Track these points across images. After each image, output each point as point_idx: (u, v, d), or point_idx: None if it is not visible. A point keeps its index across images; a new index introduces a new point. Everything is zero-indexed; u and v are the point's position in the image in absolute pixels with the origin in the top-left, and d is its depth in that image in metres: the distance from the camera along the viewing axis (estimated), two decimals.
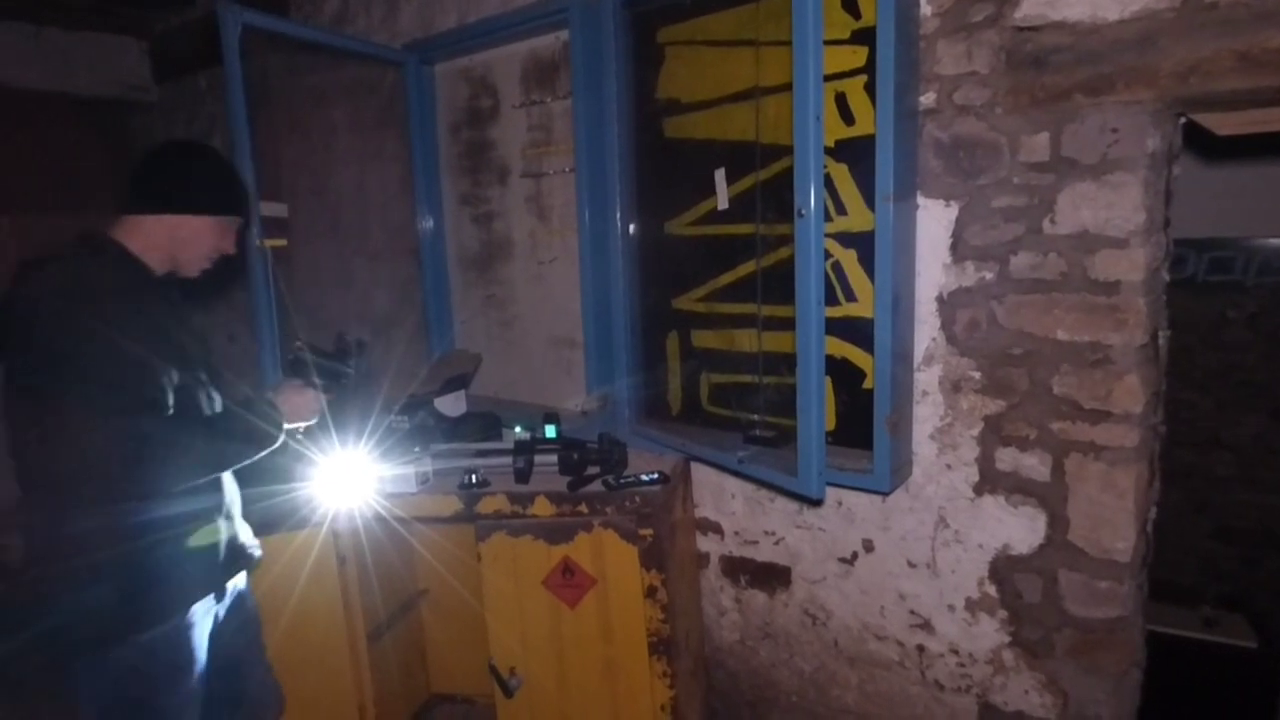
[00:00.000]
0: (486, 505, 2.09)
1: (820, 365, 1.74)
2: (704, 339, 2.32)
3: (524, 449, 2.16)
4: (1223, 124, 1.82)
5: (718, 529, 2.47)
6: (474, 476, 2.14)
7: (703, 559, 2.51)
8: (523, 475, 2.14)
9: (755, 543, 2.40)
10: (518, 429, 2.22)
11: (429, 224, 2.95)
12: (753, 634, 2.46)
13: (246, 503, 1.79)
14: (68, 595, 1.46)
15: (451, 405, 2.43)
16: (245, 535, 1.77)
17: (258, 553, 1.79)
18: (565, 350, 2.69)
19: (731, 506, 2.42)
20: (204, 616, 1.63)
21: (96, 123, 4.37)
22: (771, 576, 2.38)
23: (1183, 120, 1.79)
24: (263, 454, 1.64)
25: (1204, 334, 3.67)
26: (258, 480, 1.84)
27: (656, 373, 2.47)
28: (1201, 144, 3.18)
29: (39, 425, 1.45)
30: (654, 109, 2.33)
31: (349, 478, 2.10)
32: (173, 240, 1.62)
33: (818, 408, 1.75)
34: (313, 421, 1.79)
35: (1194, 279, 3.62)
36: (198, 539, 1.60)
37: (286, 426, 1.69)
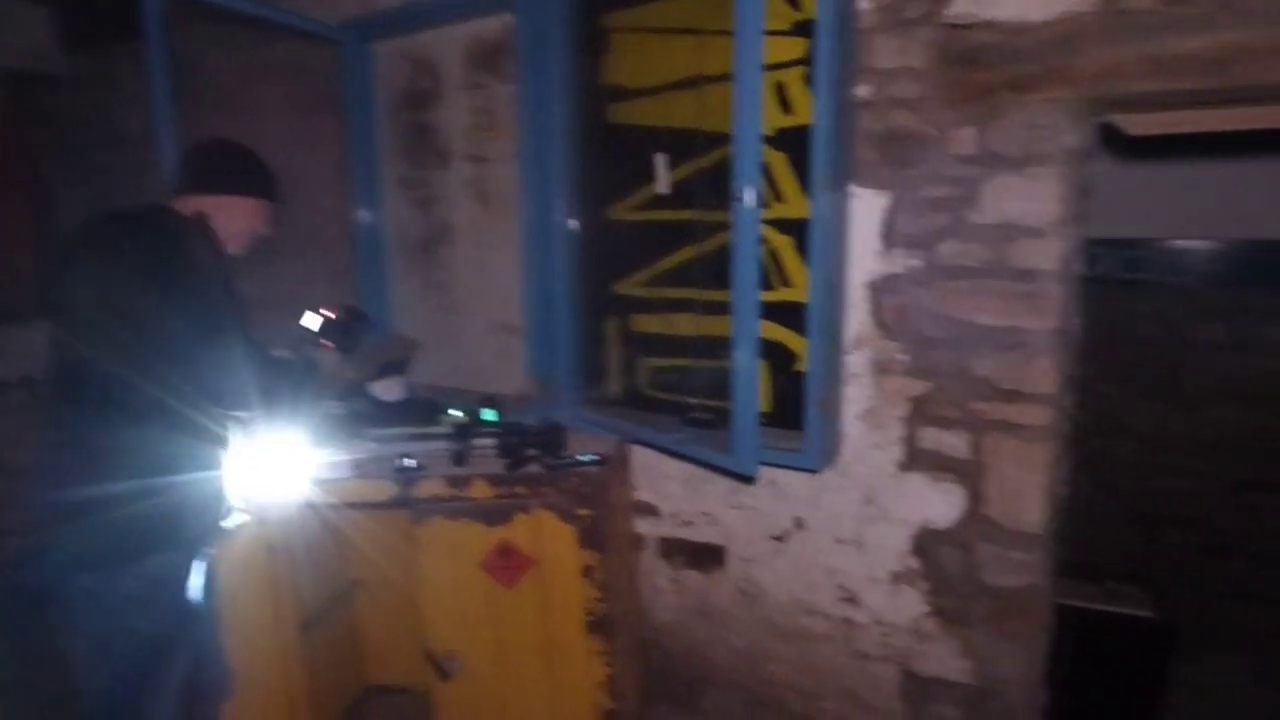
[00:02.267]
0: (423, 489, 2.08)
1: (754, 347, 1.79)
2: (644, 323, 2.36)
3: (461, 433, 2.16)
4: (1134, 125, 1.94)
5: (655, 511, 2.51)
6: (410, 461, 2.12)
7: (640, 541, 2.55)
8: (460, 458, 2.14)
9: (692, 524, 2.45)
10: (455, 413, 2.22)
11: (367, 208, 2.91)
12: (689, 613, 2.51)
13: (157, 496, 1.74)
14: (98, 514, 1.59)
15: (389, 391, 2.40)
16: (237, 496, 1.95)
17: (245, 514, 1.97)
18: (507, 336, 2.69)
19: (669, 489, 2.47)
20: (197, 562, 1.78)
21: (8, 96, 4.15)
22: (707, 556, 2.43)
23: (1098, 120, 1.90)
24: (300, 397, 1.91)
25: (1118, 329, 3.88)
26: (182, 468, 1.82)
27: (598, 357, 2.50)
28: (1122, 149, 3.37)
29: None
30: (599, 95, 2.35)
31: (279, 463, 2.06)
32: (236, 218, 1.88)
33: (751, 388, 1.81)
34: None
35: (1110, 277, 3.83)
36: (206, 484, 1.76)
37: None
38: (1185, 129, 1.89)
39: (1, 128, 4.21)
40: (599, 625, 2.08)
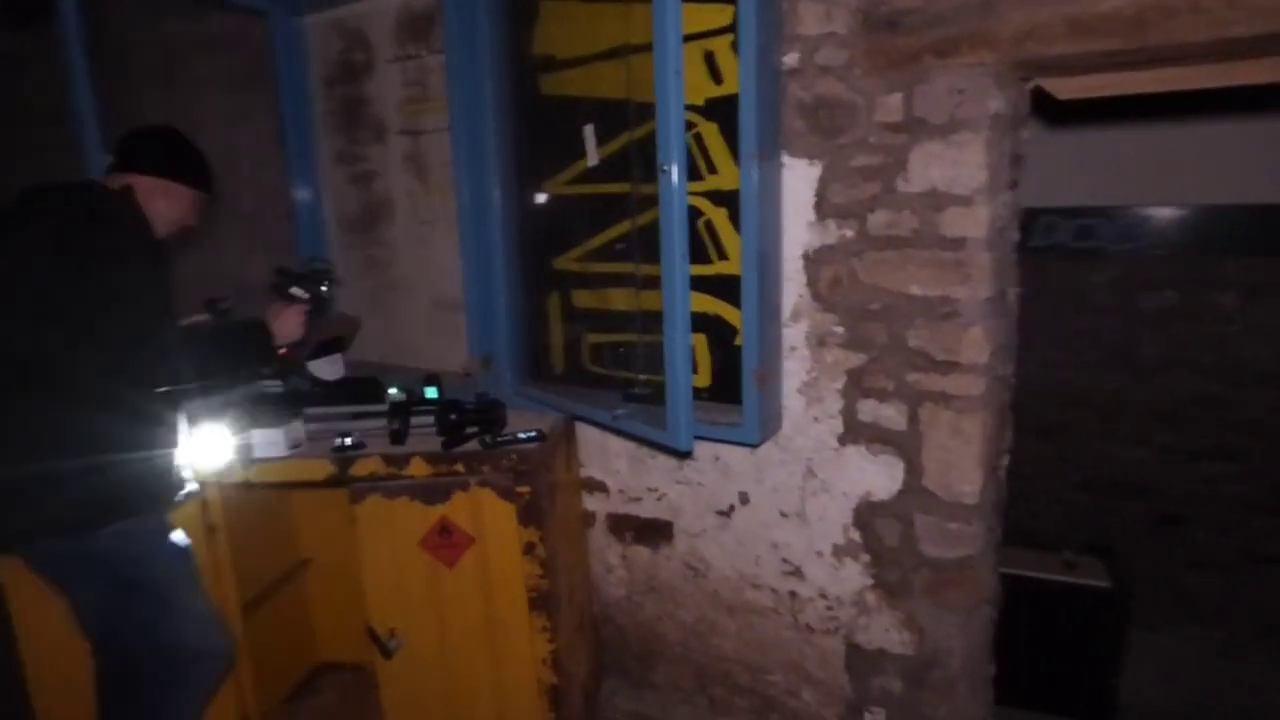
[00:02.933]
0: (361, 468, 2.06)
1: (686, 320, 1.77)
2: (584, 299, 2.33)
3: (399, 410, 2.13)
4: (1062, 88, 1.92)
5: (603, 488, 2.50)
6: (348, 439, 2.10)
7: (589, 518, 2.55)
8: (398, 436, 2.12)
9: (639, 500, 2.44)
10: (393, 390, 2.19)
11: (303, 184, 2.85)
12: (639, 589, 2.51)
13: (106, 471, 1.78)
14: (68, 485, 1.69)
15: (327, 369, 2.37)
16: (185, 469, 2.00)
17: (194, 486, 2.02)
18: (449, 313, 2.65)
19: (616, 465, 2.45)
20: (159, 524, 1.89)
21: None
22: (655, 532, 2.43)
23: (1026, 85, 1.88)
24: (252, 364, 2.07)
25: (1071, 298, 3.90)
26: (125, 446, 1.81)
27: (539, 333, 2.47)
28: (1066, 115, 3.36)
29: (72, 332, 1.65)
30: (529, 65, 2.31)
31: (214, 442, 2.04)
32: (163, 201, 1.91)
33: (684, 363, 1.78)
34: (298, 338, 2.03)
35: (1062, 246, 3.84)
36: (161, 456, 1.86)
37: (276, 342, 1.98)
38: (1109, 92, 1.87)
39: None
40: (541, 602, 2.07)
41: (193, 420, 2.03)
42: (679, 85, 1.66)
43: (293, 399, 2.30)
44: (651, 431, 1.94)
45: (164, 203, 1.91)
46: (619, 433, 2.30)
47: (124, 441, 1.77)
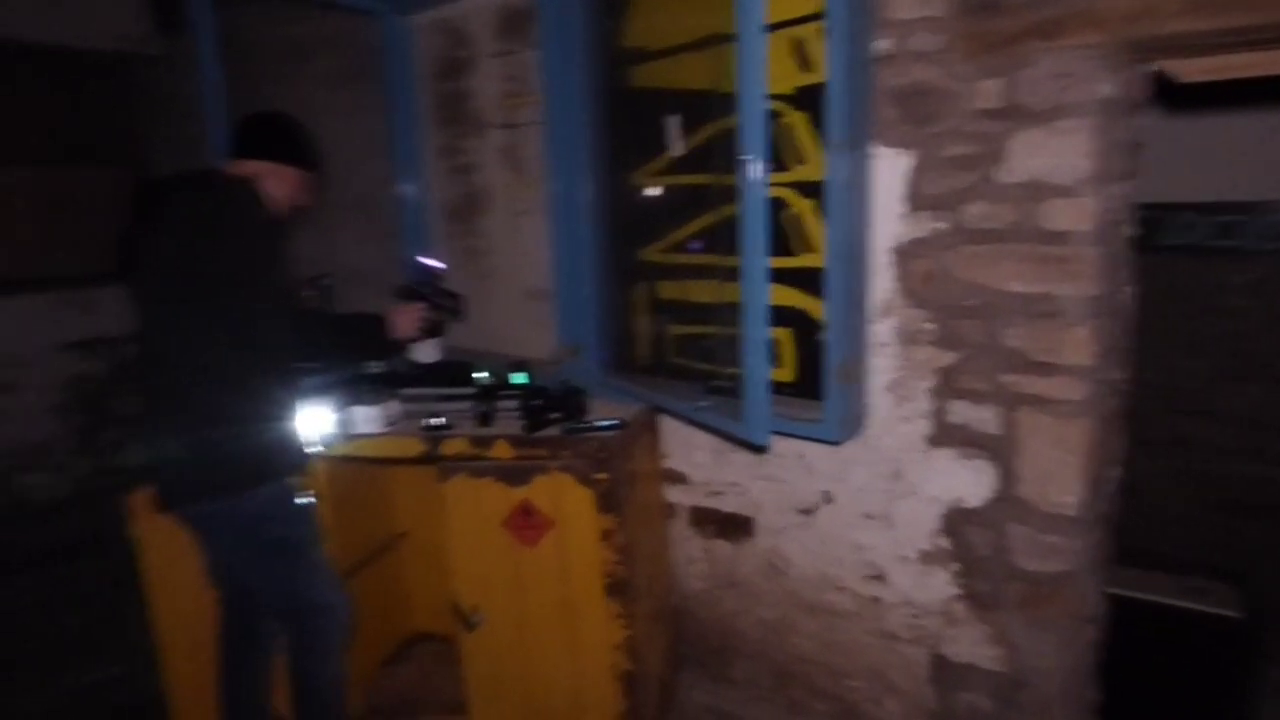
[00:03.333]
0: (449, 447, 2.14)
1: (764, 314, 1.74)
2: (668, 290, 2.33)
3: (487, 394, 2.21)
4: (1185, 70, 1.77)
5: (685, 480, 2.50)
6: (439, 420, 2.18)
7: (671, 509, 2.55)
8: (485, 419, 2.19)
9: (721, 494, 2.42)
10: (481, 375, 2.26)
11: (408, 176, 2.98)
12: (719, 583, 2.50)
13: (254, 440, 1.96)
14: (226, 453, 1.85)
15: (426, 352, 2.46)
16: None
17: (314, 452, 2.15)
18: (540, 302, 2.71)
19: (698, 458, 2.45)
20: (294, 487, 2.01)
21: (103, 76, 4.45)
22: (735, 527, 2.41)
23: (1140, 69, 1.75)
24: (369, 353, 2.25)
25: (1206, 300, 3.59)
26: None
27: (625, 324, 2.49)
28: (1209, 99, 3.09)
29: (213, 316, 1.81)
30: (622, 57, 2.32)
31: (319, 416, 2.16)
32: (273, 182, 2.00)
33: (761, 356, 1.76)
34: (414, 337, 2.22)
35: (1198, 244, 3.53)
36: (294, 424, 2.01)
37: (393, 334, 2.15)
38: (1240, 74, 1.71)
39: (103, 106, 4.54)
40: (616, 588, 2.09)
41: (302, 396, 2.18)
42: (760, 75, 1.64)
43: (390, 379, 2.42)
44: (729, 424, 1.92)
45: (274, 183, 2.01)
46: (700, 425, 2.29)
47: (266, 414, 1.93)
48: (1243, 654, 2.94)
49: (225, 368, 1.84)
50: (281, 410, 1.97)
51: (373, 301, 3.16)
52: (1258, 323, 3.49)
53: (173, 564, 2.12)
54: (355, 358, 2.39)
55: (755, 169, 1.65)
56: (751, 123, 1.63)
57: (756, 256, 1.71)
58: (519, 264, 2.79)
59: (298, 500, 1.98)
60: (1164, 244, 3.64)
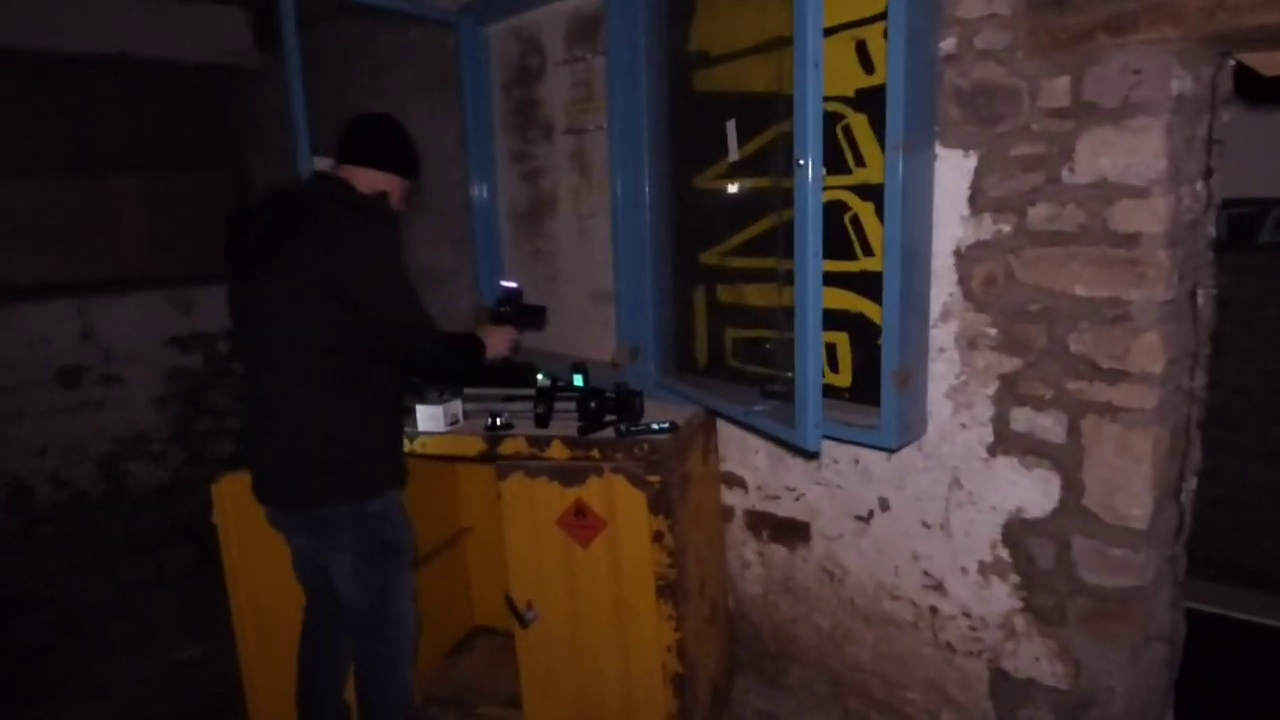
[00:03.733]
0: (507, 447, 2.20)
1: (817, 317, 1.73)
2: (727, 293, 2.33)
3: (545, 395, 2.25)
4: (1269, 64, 1.67)
5: (742, 483, 2.49)
6: (498, 419, 2.25)
7: (728, 512, 2.55)
8: (542, 420, 2.24)
9: (777, 498, 2.41)
10: (540, 376, 2.31)
11: (481, 180, 3.06)
12: (774, 588, 2.49)
13: (383, 448, 2.08)
14: (361, 458, 1.96)
15: (431, 420, 2.49)
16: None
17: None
18: (604, 304, 2.75)
19: (755, 461, 2.44)
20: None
21: (208, 89, 4.73)
22: (791, 532, 2.39)
23: (1218, 62, 1.66)
24: (463, 365, 2.24)
25: None
26: None
27: (685, 326, 2.51)
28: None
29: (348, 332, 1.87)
30: (685, 62, 2.34)
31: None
32: (392, 194, 2.05)
33: (814, 360, 1.74)
34: (505, 354, 2.29)
35: None
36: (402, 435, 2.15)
37: (487, 355, 2.22)
38: None
39: (206, 116, 4.82)
40: (668, 590, 2.11)
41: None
42: (818, 78, 1.62)
43: (454, 378, 2.49)
44: (781, 429, 1.92)
45: (391, 193, 2.06)
46: (752, 429, 2.28)
47: (388, 419, 2.04)
48: None
49: (357, 374, 1.91)
50: (397, 415, 2.07)
51: (448, 301, 3.32)
52: None
53: (252, 554, 2.22)
54: (458, 377, 2.43)
55: (809, 171, 1.64)
56: (808, 125, 1.62)
57: (810, 260, 1.70)
58: (584, 266, 2.84)
59: (402, 504, 2.07)
60: (1261, 242, 3.43)
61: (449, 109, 3.22)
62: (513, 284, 2.51)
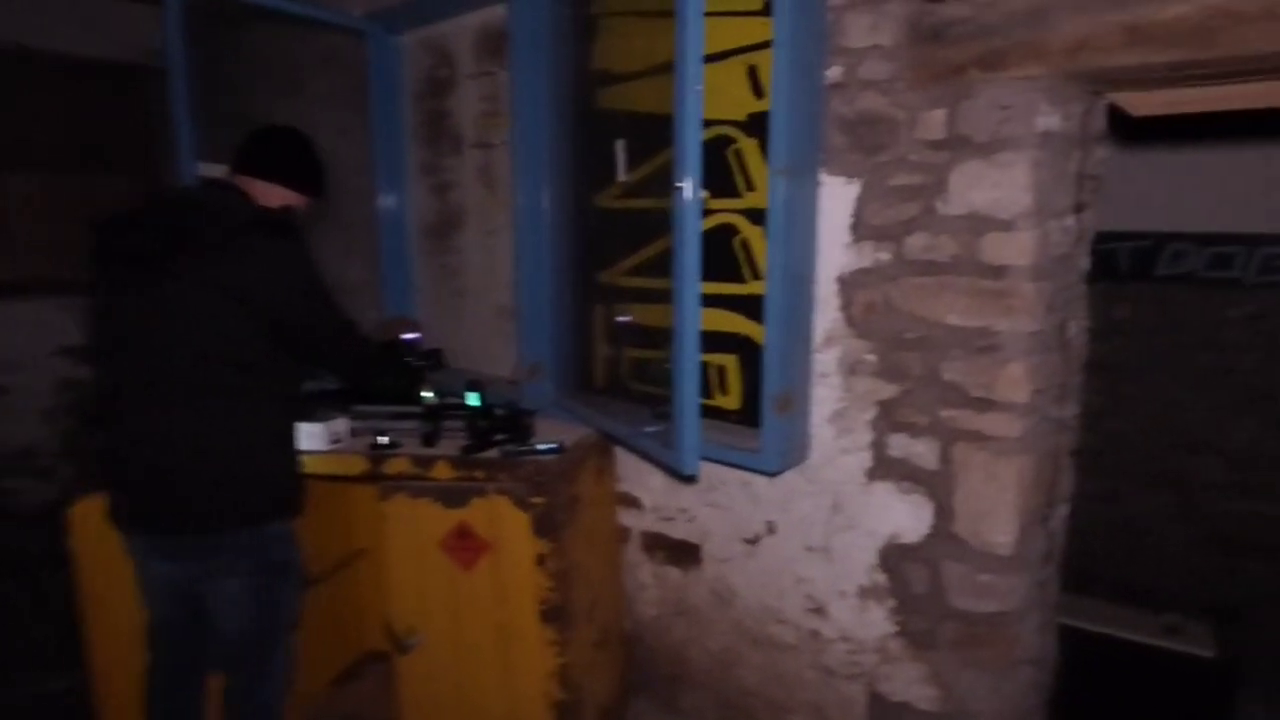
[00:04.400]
0: (391, 466, 2.14)
1: (694, 340, 1.72)
2: (625, 313, 2.31)
3: (433, 414, 2.20)
4: (1136, 104, 1.73)
5: (638, 504, 2.47)
6: (384, 438, 2.18)
7: (624, 533, 2.52)
8: (429, 439, 2.18)
9: (671, 519, 2.39)
10: (428, 394, 2.25)
11: (390, 193, 3.00)
12: (669, 610, 2.46)
13: (295, 466, 2.04)
14: (271, 478, 1.90)
15: (313, 438, 2.42)
16: None
17: None
18: (509, 320, 2.71)
19: (651, 482, 2.42)
20: None
21: (118, 87, 4.55)
22: (684, 554, 2.37)
23: (1088, 102, 1.71)
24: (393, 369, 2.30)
25: (1202, 333, 3.49)
26: None
27: (586, 345, 2.48)
28: (1206, 131, 3.03)
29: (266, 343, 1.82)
30: (589, 80, 2.32)
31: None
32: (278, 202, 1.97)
33: (691, 382, 1.74)
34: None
35: (1192, 275, 3.45)
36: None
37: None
38: (1195, 108, 1.67)
39: (114, 117, 4.63)
40: (552, 614, 2.07)
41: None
42: (697, 102, 1.62)
43: (343, 396, 2.42)
44: (662, 451, 1.90)
45: (294, 207, 2.02)
46: (636, 451, 2.26)
47: (288, 438, 1.97)
48: (1217, 697, 2.84)
49: (265, 390, 1.85)
50: (294, 433, 2.00)
51: (355, 314, 3.22)
52: (1255, 358, 3.40)
53: (114, 583, 2.07)
54: (389, 384, 2.38)
55: (687, 194, 1.63)
56: (687, 149, 1.62)
57: (687, 283, 1.69)
58: (490, 282, 2.80)
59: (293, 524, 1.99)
60: (1160, 273, 3.57)
61: (363, 119, 3.14)
62: (414, 335, 2.52)
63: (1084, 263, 1.92)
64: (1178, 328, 3.52)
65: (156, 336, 1.77)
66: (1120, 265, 3.62)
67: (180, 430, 1.78)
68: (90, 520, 2.02)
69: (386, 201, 3.03)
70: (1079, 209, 1.83)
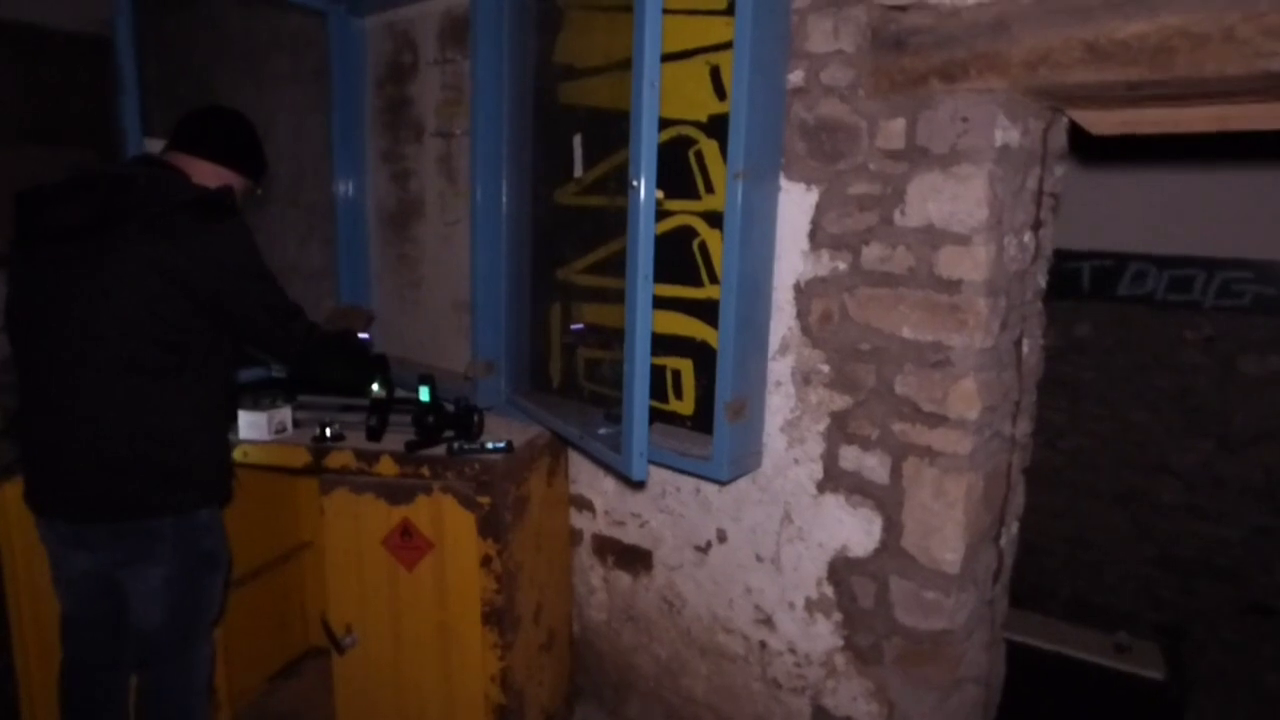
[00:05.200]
0: (334, 460, 2.08)
1: (645, 343, 1.68)
2: (585, 312, 2.27)
3: (379, 407, 2.14)
4: (1095, 123, 1.72)
5: (591, 507, 2.43)
6: (328, 430, 2.12)
7: (576, 535, 2.48)
8: (374, 433, 2.12)
9: (623, 524, 2.36)
10: (374, 387, 2.19)
11: (349, 179, 2.93)
12: (618, 615, 2.43)
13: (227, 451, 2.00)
14: (197, 464, 1.82)
15: (253, 428, 2.35)
16: None
17: None
18: (465, 314, 2.65)
19: (604, 485, 2.38)
20: None
21: (72, 58, 4.41)
22: (635, 559, 2.34)
23: (1047, 118, 1.70)
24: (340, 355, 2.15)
25: (1160, 354, 3.53)
26: None
27: (542, 343, 2.43)
28: (1169, 153, 3.05)
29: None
30: (551, 74, 2.27)
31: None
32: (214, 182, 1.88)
33: (641, 386, 1.70)
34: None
35: (1152, 296, 3.48)
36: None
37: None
38: (1152, 129, 1.66)
39: (69, 85, 4.50)
40: (494, 616, 2.02)
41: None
42: (653, 99, 1.59)
43: (289, 385, 2.35)
44: (610, 455, 1.86)
45: (231, 187, 1.92)
46: (585, 453, 2.22)
47: (218, 424, 1.90)
48: (1164, 716, 2.86)
49: (195, 374, 1.77)
50: (226, 419, 1.96)
51: (313, 300, 3.15)
52: (1209, 380, 3.43)
53: (42, 568, 1.96)
54: (340, 372, 2.24)
55: (641, 193, 1.59)
56: (642, 147, 1.58)
57: (639, 284, 1.65)
58: (447, 274, 2.73)
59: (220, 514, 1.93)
60: (1121, 293, 3.60)
61: (323, 102, 3.07)
62: (365, 335, 2.48)
63: (1041, 280, 1.92)
64: (1137, 348, 3.55)
65: (79, 312, 1.69)
66: (1083, 284, 3.64)
67: (102, 410, 1.71)
68: (15, 503, 1.93)
69: (345, 188, 2.95)
70: (1037, 226, 1.82)
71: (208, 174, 1.87)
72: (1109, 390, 3.69)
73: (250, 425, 2.11)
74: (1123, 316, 3.58)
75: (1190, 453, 3.52)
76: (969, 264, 1.62)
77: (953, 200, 1.62)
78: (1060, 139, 1.83)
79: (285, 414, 2.18)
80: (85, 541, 1.80)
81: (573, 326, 2.19)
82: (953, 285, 1.65)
